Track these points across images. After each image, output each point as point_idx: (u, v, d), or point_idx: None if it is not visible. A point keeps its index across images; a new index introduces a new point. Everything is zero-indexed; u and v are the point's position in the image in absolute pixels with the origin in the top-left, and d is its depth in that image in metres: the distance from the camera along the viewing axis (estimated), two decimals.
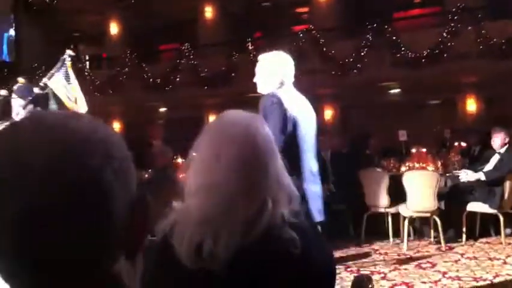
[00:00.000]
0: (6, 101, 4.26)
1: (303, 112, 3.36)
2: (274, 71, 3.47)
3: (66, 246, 0.74)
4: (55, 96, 4.31)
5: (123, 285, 0.82)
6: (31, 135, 0.73)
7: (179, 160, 7.79)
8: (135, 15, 15.28)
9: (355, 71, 11.80)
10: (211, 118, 14.54)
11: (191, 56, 13.89)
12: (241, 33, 14.06)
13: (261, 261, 1.30)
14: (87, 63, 14.97)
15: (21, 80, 4.53)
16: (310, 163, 3.41)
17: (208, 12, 15.29)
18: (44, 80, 4.27)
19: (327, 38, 12.55)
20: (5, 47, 15.28)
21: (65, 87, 4.30)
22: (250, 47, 13.26)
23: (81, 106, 4.31)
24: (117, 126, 14.87)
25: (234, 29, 14.72)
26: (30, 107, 4.19)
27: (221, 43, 14.35)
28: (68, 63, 4.41)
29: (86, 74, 14.45)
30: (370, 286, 1.70)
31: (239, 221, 1.29)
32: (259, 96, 3.52)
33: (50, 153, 0.72)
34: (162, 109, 15.35)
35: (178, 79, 13.71)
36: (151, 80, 13.86)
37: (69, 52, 4.45)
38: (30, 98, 4.24)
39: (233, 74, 13.14)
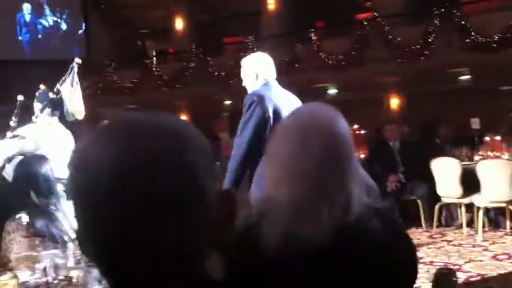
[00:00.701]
0: (23, 106, 4.60)
1: (286, 107, 3.32)
2: (256, 72, 3.63)
3: (171, 238, 0.79)
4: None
5: (212, 280, 0.85)
6: (141, 134, 0.79)
7: None
8: (199, 9, 15.50)
9: (422, 58, 11.52)
10: None
11: (255, 48, 13.95)
12: (303, 24, 13.99)
13: (354, 249, 1.32)
14: (154, 58, 15.31)
15: (42, 87, 4.78)
16: None
17: (271, 3, 15.29)
18: (57, 85, 4.55)
19: (391, 25, 12.29)
20: (73, 44, 15.88)
21: (71, 93, 4.56)
22: (313, 37, 13.19)
23: (81, 112, 4.58)
24: (184, 119, 15.16)
25: (296, 20, 14.67)
26: (48, 110, 4.53)
27: (284, 34, 14.34)
28: (76, 68, 4.63)
29: (154, 69, 14.81)
30: (454, 279, 1.68)
31: (333, 208, 1.32)
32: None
33: (156, 150, 0.78)
34: (227, 102, 15.52)
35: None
36: (216, 73, 14.03)
37: (77, 60, 4.67)
38: (46, 102, 4.56)
39: (296, 65, 13.11)
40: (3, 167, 4.29)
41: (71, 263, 2.26)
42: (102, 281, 2.03)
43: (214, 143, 11.19)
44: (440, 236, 6.42)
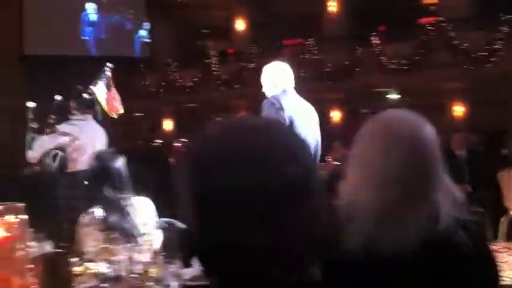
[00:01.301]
0: (61, 105, 4.99)
1: (300, 115, 3.66)
2: (276, 80, 3.87)
3: (284, 239, 0.82)
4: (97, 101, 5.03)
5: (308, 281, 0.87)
6: (271, 136, 0.86)
7: None
8: (260, 10, 15.59)
9: (488, 64, 11.18)
10: (334, 113, 14.50)
11: (314, 51, 13.93)
12: (365, 27, 13.84)
13: (438, 264, 1.31)
14: (214, 58, 15.51)
15: (79, 87, 5.19)
16: None
17: (332, 6, 15.21)
18: (91, 87, 4.94)
19: (456, 29, 11.99)
20: (137, 43, 16.25)
21: (105, 94, 5.00)
22: (374, 41, 13.03)
23: (118, 111, 5.11)
24: None
25: (357, 23, 14.53)
26: (83, 109, 4.98)
27: (345, 37, 14.23)
28: (108, 73, 5.04)
29: (213, 69, 15.00)
30: None
31: (419, 219, 1.31)
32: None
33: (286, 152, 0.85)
34: None
35: (301, 74, 13.79)
36: None
37: (108, 65, 5.11)
38: (80, 102, 4.98)
39: (357, 69, 12.99)
40: (43, 159, 4.97)
41: (146, 257, 2.32)
42: (179, 277, 2.09)
43: None
44: (506, 249, 6.20)
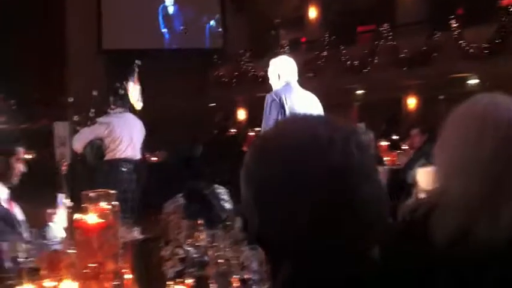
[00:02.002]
0: (98, 100, 5.61)
1: (302, 106, 4.00)
2: (278, 73, 4.25)
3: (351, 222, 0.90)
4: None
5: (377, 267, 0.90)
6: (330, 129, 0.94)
7: (382, 143, 7.71)
8: None
9: None
10: (410, 100, 14.14)
11: (389, 37, 13.60)
12: (442, 10, 13.35)
13: None
14: (287, 47, 15.47)
15: (117, 84, 5.80)
16: None
17: None
18: (124, 83, 5.53)
19: None
20: (210, 35, 16.48)
21: (133, 89, 5.57)
22: (453, 25, 12.55)
23: (139, 105, 5.72)
24: None
25: (435, 7, 14.03)
26: (119, 102, 5.57)
27: (421, 22, 13.79)
28: (136, 70, 5.67)
29: None
30: None
31: None
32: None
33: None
34: (360, 92, 15.30)
35: (376, 61, 13.54)
36: (348, 62, 13.89)
37: (137, 62, 5.73)
38: (116, 97, 5.57)
39: (435, 54, 12.58)
40: (85, 149, 5.47)
41: (227, 243, 2.38)
42: (263, 262, 2.13)
43: None
44: None
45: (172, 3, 16.39)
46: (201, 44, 16.30)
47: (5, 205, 2.85)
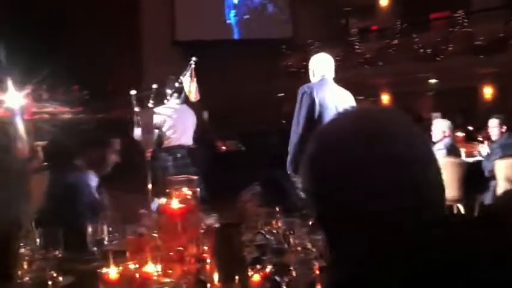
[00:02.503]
0: (157, 91, 5.72)
1: (333, 100, 4.21)
2: (313, 69, 4.51)
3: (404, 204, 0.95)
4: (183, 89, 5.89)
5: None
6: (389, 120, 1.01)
7: (458, 134, 7.46)
8: None
9: None
10: (486, 89, 13.61)
11: (464, 23, 13.13)
12: None
13: None
14: (357, 36, 15.25)
15: (171, 77, 6.16)
16: None
17: None
18: (180, 77, 5.80)
19: None
20: (278, 24, 16.42)
21: (189, 83, 5.82)
22: None
23: (196, 97, 5.95)
24: (385, 98, 14.94)
25: None
26: (175, 95, 5.98)
27: (499, 7, 13.21)
28: (193, 65, 5.88)
29: (356, 47, 14.77)
30: None
31: None
32: None
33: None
34: (432, 80, 14.87)
35: (450, 48, 13.11)
36: (421, 50, 13.52)
37: (194, 58, 5.89)
38: (173, 89, 5.96)
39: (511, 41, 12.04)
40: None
41: (304, 231, 2.38)
42: None
43: (420, 124, 10.79)
44: None
45: None
46: (270, 34, 16.30)
47: (95, 194, 2.96)
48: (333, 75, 4.46)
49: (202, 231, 2.17)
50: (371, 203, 0.94)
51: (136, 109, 5.63)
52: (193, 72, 6.08)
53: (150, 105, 6.88)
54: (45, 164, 3.28)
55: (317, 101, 4.16)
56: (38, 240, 2.12)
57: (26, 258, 2.02)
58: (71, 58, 14.26)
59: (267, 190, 3.02)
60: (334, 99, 4.21)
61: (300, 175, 1.08)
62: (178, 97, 6.03)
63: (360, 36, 15.29)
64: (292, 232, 2.36)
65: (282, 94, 15.69)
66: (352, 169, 0.96)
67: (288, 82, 15.56)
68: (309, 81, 4.51)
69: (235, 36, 16.63)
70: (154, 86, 7.24)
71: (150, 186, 2.62)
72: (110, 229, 2.34)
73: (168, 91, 6.10)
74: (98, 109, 14.86)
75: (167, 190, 2.20)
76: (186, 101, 6.09)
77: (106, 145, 2.85)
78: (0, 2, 14.30)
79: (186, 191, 2.20)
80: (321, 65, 4.49)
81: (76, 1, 15.39)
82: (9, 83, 10.84)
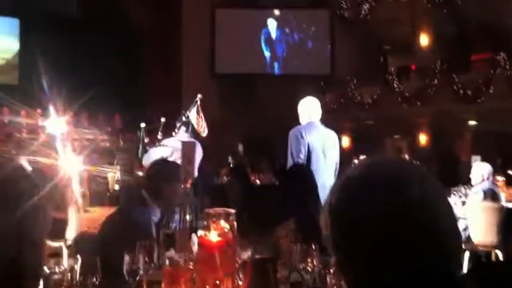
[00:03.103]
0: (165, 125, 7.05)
1: (320, 141, 4.63)
2: (300, 112, 4.89)
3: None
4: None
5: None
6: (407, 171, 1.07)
7: (498, 178, 7.30)
8: (447, 23, 14.97)
9: None
10: None
11: (506, 66, 12.97)
12: None
13: None
14: (396, 74, 15.21)
15: (184, 112, 6.81)
16: (322, 177, 4.50)
17: None
18: (187, 113, 6.49)
19: None
20: (317, 60, 16.50)
21: (196, 118, 6.53)
22: None
23: (204, 131, 6.66)
24: (423, 138, 14.76)
25: None
26: (183, 128, 6.50)
27: None
28: (198, 102, 6.63)
29: (395, 85, 14.71)
30: None
31: None
32: None
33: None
34: (472, 122, 14.66)
35: (491, 91, 12.94)
36: (461, 91, 13.38)
37: (199, 96, 6.68)
38: (181, 123, 6.55)
39: None
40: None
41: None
42: None
43: (455, 166, 10.62)
44: None
45: (275, 27, 16.61)
46: (308, 69, 16.40)
47: (152, 230, 2.97)
48: (319, 117, 4.83)
49: (237, 265, 2.17)
50: (387, 251, 0.99)
51: (167, 140, 6.00)
52: (199, 108, 6.73)
53: (159, 137, 7.54)
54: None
55: (305, 143, 4.59)
56: (77, 267, 2.15)
57: (65, 284, 2.05)
58: (112, 87, 14.63)
59: (302, 226, 3.00)
60: (320, 140, 4.64)
61: (321, 224, 1.12)
62: (186, 130, 6.46)
63: (398, 75, 15.24)
64: (328, 271, 2.33)
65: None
66: (368, 218, 1.01)
67: (324, 118, 15.57)
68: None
69: (274, 70, 16.78)
70: (163, 119, 7.84)
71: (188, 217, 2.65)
72: (147, 259, 2.35)
73: (177, 124, 6.61)
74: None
75: (205, 222, 2.21)
76: (196, 133, 6.63)
77: (177, 179, 2.84)
78: (44, 35, 14.85)
79: (224, 223, 2.21)
80: (308, 109, 4.85)
81: (120, 32, 15.87)
82: (52, 110, 11.19)
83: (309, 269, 2.40)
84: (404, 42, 16.26)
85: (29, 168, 0.92)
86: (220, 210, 2.36)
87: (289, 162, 4.69)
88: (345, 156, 12.91)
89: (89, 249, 2.50)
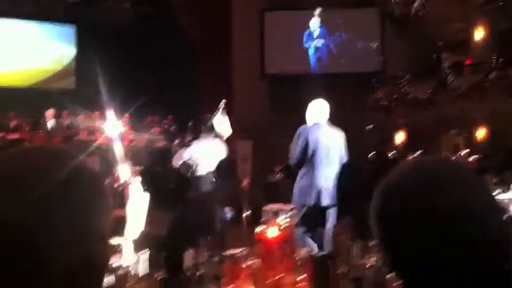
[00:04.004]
0: (193, 128, 7.57)
1: (326, 141, 5.25)
2: (310, 115, 5.55)
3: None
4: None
5: None
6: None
7: None
8: (502, 17, 14.49)
9: None
10: None
11: None
12: None
13: None
14: (450, 71, 14.85)
15: (207, 115, 7.52)
16: (327, 170, 5.01)
17: None
18: (212, 117, 7.26)
19: None
20: (369, 58, 16.30)
21: (219, 122, 7.22)
22: None
23: (226, 134, 7.32)
24: (481, 134, 14.37)
25: None
26: (206, 130, 7.12)
27: None
28: (222, 106, 7.38)
29: (449, 81, 14.37)
30: None
31: None
32: None
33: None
34: None
35: None
36: None
37: (223, 100, 7.47)
38: (206, 126, 7.15)
39: None
40: (181, 166, 6.97)
41: None
42: None
43: None
44: None
45: (318, 26, 16.49)
46: (359, 67, 16.22)
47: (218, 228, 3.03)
48: (326, 118, 5.49)
49: (298, 261, 2.19)
50: (442, 252, 0.99)
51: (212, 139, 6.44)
52: (223, 111, 7.46)
53: (187, 140, 8.20)
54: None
55: (309, 142, 5.18)
56: (140, 262, 2.23)
57: (129, 279, 2.13)
58: (165, 90, 14.93)
59: (358, 223, 3.00)
60: (326, 140, 5.25)
61: (371, 227, 1.13)
62: (209, 133, 7.09)
63: (453, 70, 14.88)
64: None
65: (371, 127, 15.49)
66: (420, 220, 1.01)
67: (376, 115, 15.36)
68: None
69: (323, 69, 16.66)
70: (190, 123, 8.63)
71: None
72: (209, 254, 2.41)
73: (202, 127, 7.28)
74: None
75: (263, 219, 2.25)
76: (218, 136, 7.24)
77: (240, 182, 2.90)
78: (99, 41, 15.28)
79: (282, 220, 2.24)
80: (315, 112, 5.53)
81: (171, 37, 16.18)
82: (109, 112, 11.51)
83: (369, 265, 2.41)
84: (457, 38, 15.86)
85: (92, 167, 0.97)
86: (277, 206, 2.39)
87: (292, 153, 5.32)
88: (399, 152, 12.78)
89: (153, 245, 2.58)
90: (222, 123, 7.30)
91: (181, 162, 6.89)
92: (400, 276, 1.07)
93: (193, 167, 6.81)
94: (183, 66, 15.90)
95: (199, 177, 6.67)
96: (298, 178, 5.06)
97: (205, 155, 6.86)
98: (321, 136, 5.27)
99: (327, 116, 5.44)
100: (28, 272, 0.79)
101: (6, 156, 0.87)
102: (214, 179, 6.78)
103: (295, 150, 5.24)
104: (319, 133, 5.29)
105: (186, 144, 8.33)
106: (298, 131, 5.38)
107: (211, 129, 7.04)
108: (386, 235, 1.06)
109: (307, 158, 5.06)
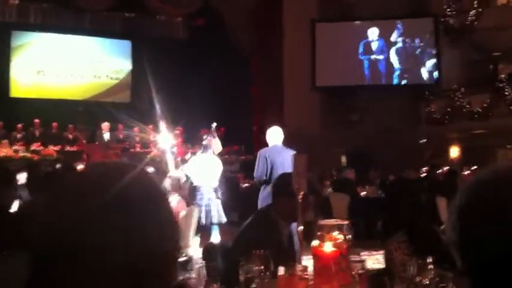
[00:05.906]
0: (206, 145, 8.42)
1: (280, 159, 6.01)
2: (269, 138, 6.37)
3: None
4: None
5: None
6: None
7: None
8: None
9: None
10: None
11: None
12: None
13: None
14: (506, 82, 14.43)
15: (204, 136, 8.80)
16: None
17: None
18: (206, 136, 8.67)
19: None
20: (424, 70, 16.03)
21: (211, 140, 8.54)
22: None
23: (218, 150, 8.90)
24: None
25: None
26: (202, 148, 8.41)
27: None
28: (214, 126, 9.40)
29: (506, 93, 13.96)
30: None
31: None
32: None
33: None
34: None
35: None
36: None
37: (214, 124, 9.45)
38: (204, 144, 8.40)
39: None
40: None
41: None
42: None
43: None
44: None
45: (377, 37, 16.31)
46: (413, 78, 15.96)
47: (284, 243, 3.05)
48: (281, 141, 6.30)
49: (354, 276, 2.18)
50: None
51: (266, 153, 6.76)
52: (214, 132, 9.05)
53: (199, 154, 8.92)
54: None
55: (268, 161, 6.06)
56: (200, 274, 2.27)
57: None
58: (217, 102, 15.13)
59: (414, 238, 2.95)
60: (281, 159, 5.96)
61: (447, 227, 1.13)
62: (205, 151, 8.27)
63: (509, 81, 14.45)
64: (445, 285, 2.28)
65: (424, 140, 15.21)
66: (502, 218, 1.01)
67: (430, 128, 15.06)
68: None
69: (375, 81, 16.46)
70: (204, 142, 9.44)
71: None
72: (262, 268, 2.42)
73: (200, 145, 8.64)
74: (244, 151, 15.53)
75: (319, 233, 2.25)
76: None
77: (295, 195, 2.91)
78: (153, 55, 15.64)
79: (337, 235, 2.24)
80: (273, 136, 6.31)
81: (224, 50, 16.42)
82: (162, 126, 11.79)
83: (426, 283, 2.36)
84: None
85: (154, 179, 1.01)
86: (333, 221, 2.39)
87: (255, 176, 6.30)
88: (453, 166, 12.46)
89: (212, 257, 2.62)
90: (214, 142, 8.67)
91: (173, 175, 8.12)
92: (472, 275, 1.06)
93: (188, 178, 8.24)
94: (235, 79, 16.08)
95: (198, 187, 8.03)
96: (261, 191, 6.14)
97: (201, 169, 8.13)
98: (277, 157, 6.11)
99: (281, 139, 6.35)
100: (95, 272, 0.84)
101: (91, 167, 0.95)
102: (214, 191, 8.13)
103: (257, 168, 6.20)
104: (276, 154, 6.16)
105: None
106: (259, 153, 6.33)
107: (206, 147, 8.26)
108: (467, 234, 1.06)
109: (267, 174, 6.05)
